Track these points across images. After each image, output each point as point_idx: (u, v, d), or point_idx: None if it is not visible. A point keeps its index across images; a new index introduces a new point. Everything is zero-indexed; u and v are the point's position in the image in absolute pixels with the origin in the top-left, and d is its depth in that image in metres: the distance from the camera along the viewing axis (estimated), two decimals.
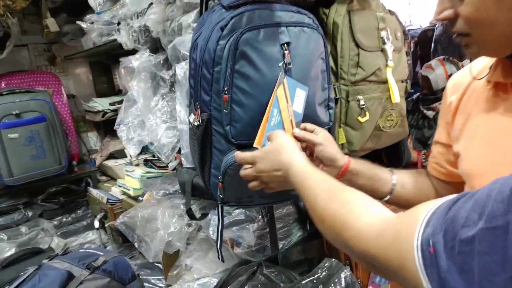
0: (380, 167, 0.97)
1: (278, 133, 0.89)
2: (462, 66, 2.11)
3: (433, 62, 2.11)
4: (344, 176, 0.93)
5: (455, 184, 0.88)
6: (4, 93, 2.29)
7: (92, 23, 2.04)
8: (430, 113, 2.12)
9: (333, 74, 1.23)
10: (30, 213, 2.42)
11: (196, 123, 1.03)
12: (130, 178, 2.31)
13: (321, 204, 0.67)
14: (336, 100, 1.22)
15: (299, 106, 0.99)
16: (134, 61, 1.45)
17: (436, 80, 2.06)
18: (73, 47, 2.67)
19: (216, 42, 0.97)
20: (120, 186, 2.38)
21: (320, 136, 0.94)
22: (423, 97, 2.15)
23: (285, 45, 0.97)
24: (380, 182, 0.94)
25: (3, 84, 2.42)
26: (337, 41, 1.19)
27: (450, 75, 2.06)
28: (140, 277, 2.02)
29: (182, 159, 1.34)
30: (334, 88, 1.21)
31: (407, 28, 3.10)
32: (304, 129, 0.98)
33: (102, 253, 1.54)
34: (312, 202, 0.70)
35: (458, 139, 0.79)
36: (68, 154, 2.55)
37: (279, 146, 0.85)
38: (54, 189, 2.53)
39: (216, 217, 1.28)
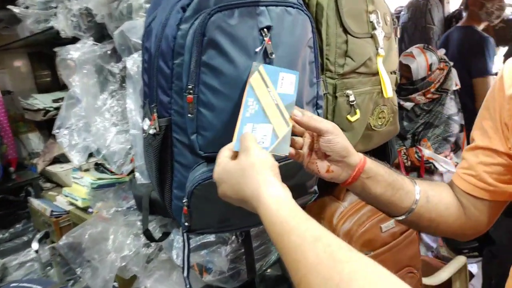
0: (398, 172, 0.76)
1: (249, 143, 0.63)
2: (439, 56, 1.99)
3: (414, 50, 1.97)
4: (357, 179, 0.71)
5: (496, 203, 0.71)
6: None
7: (27, 7, 1.72)
8: (408, 105, 1.99)
9: None
10: None
11: (152, 131, 0.81)
12: (78, 186, 2.03)
13: (311, 278, 0.45)
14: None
15: (288, 88, 0.74)
16: (74, 52, 1.19)
17: (417, 69, 1.93)
18: (8, 36, 2.32)
19: (176, 27, 0.74)
20: (66, 196, 2.10)
21: (326, 122, 0.71)
22: (401, 87, 2.01)
23: (265, 29, 0.76)
24: (401, 193, 0.72)
25: None
26: (322, 26, 1.00)
27: (430, 65, 1.93)
28: None
29: (137, 173, 1.10)
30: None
31: None
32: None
33: (40, 286, 1.27)
34: (296, 271, 0.48)
35: None
36: (3, 159, 2.23)
37: (246, 166, 0.60)
38: None
39: (181, 239, 1.07)
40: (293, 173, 0.87)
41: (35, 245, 1.76)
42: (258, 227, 1.04)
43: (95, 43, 1.21)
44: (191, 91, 0.75)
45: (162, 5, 0.80)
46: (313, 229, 0.50)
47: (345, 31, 1.00)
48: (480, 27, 2.50)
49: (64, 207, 2.05)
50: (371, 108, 1.07)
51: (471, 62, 2.29)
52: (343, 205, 1.21)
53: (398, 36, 1.24)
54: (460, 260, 1.69)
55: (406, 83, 1.97)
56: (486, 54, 2.32)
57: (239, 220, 0.89)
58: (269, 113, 0.71)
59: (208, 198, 0.81)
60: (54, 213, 2.05)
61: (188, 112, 0.76)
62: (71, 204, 2.01)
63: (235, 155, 0.65)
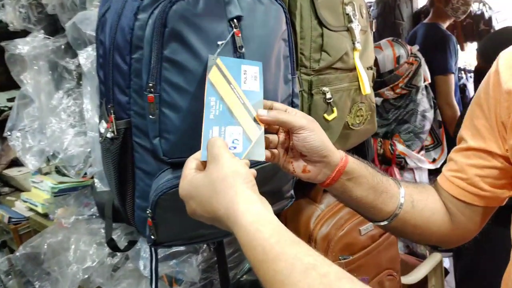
0: (382, 172, 0.69)
1: (219, 150, 0.54)
2: (410, 50, 1.96)
3: (382, 42, 1.92)
4: (337, 181, 0.64)
5: (486, 209, 0.65)
6: None
7: None
8: (377, 100, 1.91)
9: None
10: None
11: (109, 135, 0.72)
12: (38, 190, 1.90)
13: None
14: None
15: (252, 83, 0.66)
16: (23, 46, 1.07)
17: (384, 61, 1.88)
18: None
19: (133, 17, 0.66)
20: (25, 201, 1.96)
21: (300, 117, 0.62)
22: None
23: (235, 20, 0.68)
24: (385, 196, 0.66)
25: None
26: (296, 18, 0.93)
27: (398, 57, 1.88)
28: None
29: (96, 180, 1.00)
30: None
31: None
32: (271, 108, 0.65)
33: None
34: None
35: None
36: None
37: (217, 179, 0.51)
38: None
39: (148, 248, 0.98)
40: (269, 177, 0.80)
41: None
42: (230, 236, 0.97)
43: (47, 36, 1.10)
44: (152, 90, 0.66)
45: None
46: (304, 255, 0.42)
47: (321, 23, 0.93)
48: (446, 23, 2.50)
49: (23, 213, 1.93)
50: (348, 106, 1.01)
51: (433, 59, 2.28)
52: (320, 208, 1.15)
53: (374, 30, 1.19)
54: (435, 257, 1.67)
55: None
56: (447, 52, 2.32)
57: (212, 231, 0.81)
58: (236, 113, 0.62)
59: (175, 208, 0.72)
60: (13, 220, 1.93)
61: (149, 113, 0.67)
62: (31, 210, 1.89)
63: (203, 166, 0.56)
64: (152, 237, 0.75)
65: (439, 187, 0.69)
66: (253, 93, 0.65)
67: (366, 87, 1.01)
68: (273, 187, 0.83)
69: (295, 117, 0.62)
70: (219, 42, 0.67)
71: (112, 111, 0.71)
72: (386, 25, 2.93)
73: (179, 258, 1.03)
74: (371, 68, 1.12)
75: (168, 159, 0.70)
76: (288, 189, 0.87)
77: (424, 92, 1.99)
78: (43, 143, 1.19)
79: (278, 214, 1.21)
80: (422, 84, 1.96)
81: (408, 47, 1.97)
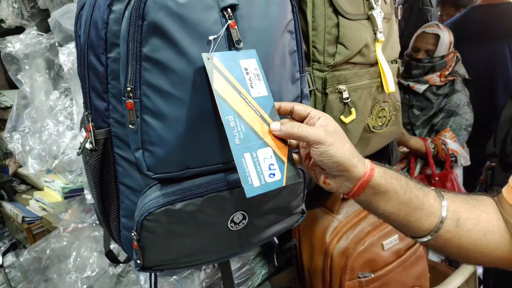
0: (418, 183, 0.61)
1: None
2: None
3: (439, 24, 1.78)
4: (361, 194, 0.58)
5: None
6: None
7: None
8: (419, 88, 1.76)
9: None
10: None
11: (88, 146, 0.62)
12: (50, 190, 1.86)
13: None
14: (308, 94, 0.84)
15: (259, 86, 0.58)
16: (14, 44, 1.00)
17: (442, 42, 1.71)
18: None
19: (106, 8, 0.56)
20: (37, 201, 1.93)
21: (320, 129, 0.55)
22: (410, 62, 1.76)
23: (229, 9, 0.57)
24: (419, 213, 0.58)
25: None
26: (307, 5, 0.81)
27: (451, 43, 1.74)
28: None
29: (86, 191, 0.92)
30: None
31: None
32: (290, 114, 0.59)
33: None
34: None
35: None
36: None
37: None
38: None
39: None
40: (274, 193, 0.69)
41: None
42: (233, 257, 0.86)
43: (40, 33, 1.02)
44: (130, 95, 0.56)
45: None
46: None
47: (336, 11, 0.81)
48: None
49: (37, 213, 1.91)
50: (369, 106, 0.89)
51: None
52: (337, 219, 1.03)
53: (399, 17, 1.05)
54: (469, 267, 1.52)
55: (425, 59, 1.75)
56: None
57: (208, 255, 0.71)
58: (259, 131, 0.56)
59: (164, 230, 0.63)
60: (27, 219, 1.90)
61: (129, 123, 0.57)
62: (44, 209, 1.86)
63: None
64: (139, 261, 0.66)
65: (501, 197, 0.60)
66: (263, 99, 0.58)
67: (390, 84, 0.87)
68: (279, 203, 0.72)
69: (311, 130, 0.55)
70: (211, 37, 0.57)
71: (90, 118, 0.62)
72: (413, 11, 2.74)
73: (180, 275, 0.94)
74: (396, 62, 0.99)
75: (153, 174, 0.60)
76: (297, 204, 0.76)
77: (463, 85, 1.82)
78: (39, 147, 1.12)
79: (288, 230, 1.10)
80: (465, 75, 1.80)
81: None
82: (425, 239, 0.59)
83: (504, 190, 0.60)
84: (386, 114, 0.93)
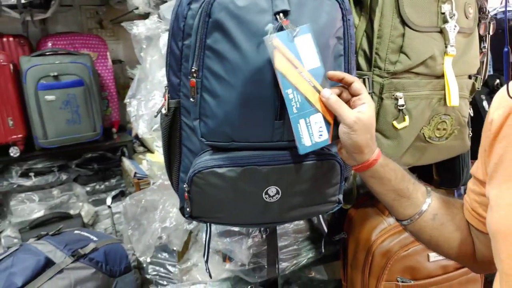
0: (416, 181, 0.73)
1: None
2: None
3: None
4: (362, 173, 0.72)
5: None
6: (47, 53, 2.23)
7: None
8: None
9: (366, 61, 0.91)
10: (64, 177, 2.39)
11: (163, 111, 0.80)
12: (158, 154, 2.17)
13: None
14: None
15: (312, 58, 0.68)
16: (139, 27, 1.24)
17: None
18: (121, 10, 2.54)
19: (187, 6, 0.71)
20: (148, 161, 2.26)
21: (354, 114, 0.66)
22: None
23: (281, 14, 0.68)
24: (404, 201, 0.71)
25: (50, 44, 2.37)
26: (375, 15, 0.86)
27: None
28: (154, 260, 1.90)
29: None
30: (364, 80, 0.89)
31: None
32: (347, 84, 0.69)
33: (96, 238, 1.40)
34: None
35: (492, 177, 0.57)
36: (107, 121, 2.49)
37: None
38: (90, 155, 2.49)
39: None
40: (310, 176, 0.79)
41: (108, 201, 1.94)
42: (269, 226, 0.97)
43: (160, 20, 1.24)
44: (195, 75, 0.71)
45: None
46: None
47: (403, 22, 0.85)
48: None
49: (146, 171, 2.22)
50: (427, 116, 0.91)
51: None
52: (387, 221, 1.07)
53: (491, 33, 1.02)
54: None
55: None
56: None
57: (245, 217, 0.84)
58: (312, 99, 0.68)
59: (209, 188, 0.77)
60: (137, 175, 2.23)
61: (191, 96, 0.73)
62: (150, 169, 2.17)
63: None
64: (188, 209, 0.81)
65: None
66: (316, 69, 0.68)
67: (453, 98, 0.88)
68: (313, 188, 0.81)
69: (347, 113, 0.66)
70: (268, 26, 0.67)
71: (167, 90, 0.79)
72: None
73: (232, 238, 1.09)
74: (471, 77, 0.97)
75: (205, 141, 0.75)
76: (333, 193, 0.84)
77: None
78: (146, 112, 1.36)
79: (341, 217, 1.16)
80: None
81: None
82: (405, 222, 0.72)
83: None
84: (447, 126, 0.93)
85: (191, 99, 0.73)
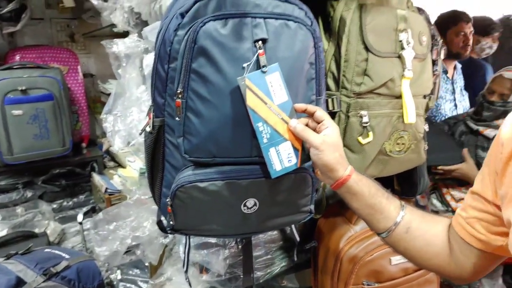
0: (390, 195, 0.78)
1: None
2: None
3: None
4: (338, 190, 0.77)
5: (484, 255, 0.66)
6: (15, 67, 2.20)
7: (106, 0, 1.89)
8: (489, 133, 1.67)
9: (334, 82, 1.00)
10: (29, 194, 2.33)
11: (148, 129, 0.85)
12: (131, 169, 2.18)
13: None
14: (334, 115, 0.99)
15: (281, 94, 0.77)
16: (119, 46, 1.28)
17: None
18: (94, 24, 2.56)
19: (173, 32, 0.77)
20: (119, 176, 2.26)
21: (320, 137, 0.75)
22: (483, 102, 1.68)
23: (260, 42, 0.76)
24: (379, 216, 0.76)
25: (18, 57, 2.33)
26: (342, 41, 0.96)
27: None
28: (125, 277, 1.89)
29: None
30: (333, 100, 0.98)
31: None
32: (311, 115, 0.78)
33: (68, 256, 1.40)
34: None
35: (510, 200, 0.56)
36: (77, 135, 2.47)
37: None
38: (58, 170, 2.44)
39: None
40: (285, 189, 0.86)
41: (80, 217, 1.93)
42: (247, 236, 1.04)
43: (139, 39, 1.29)
44: (180, 96, 0.77)
45: (173, 10, 0.83)
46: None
47: (367, 48, 0.95)
48: None
49: (117, 186, 2.21)
50: (388, 132, 1.00)
51: None
52: (353, 229, 1.15)
53: (442, 57, 1.15)
54: None
55: (498, 102, 1.67)
56: None
57: (225, 229, 0.90)
58: (281, 130, 0.77)
59: (191, 202, 0.83)
60: (109, 191, 2.21)
61: (176, 116, 0.78)
62: (124, 184, 2.17)
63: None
64: (171, 222, 0.86)
65: (451, 224, 0.73)
66: (284, 103, 0.77)
67: (410, 116, 0.99)
68: (287, 199, 0.88)
69: (313, 136, 0.75)
70: (245, 65, 0.76)
71: (152, 109, 0.84)
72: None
73: (209, 250, 1.14)
74: (425, 97, 1.09)
75: (188, 157, 0.81)
76: (305, 204, 0.91)
77: None
78: (123, 128, 1.39)
79: (311, 227, 1.24)
80: None
81: None
82: (382, 235, 0.77)
83: (454, 216, 0.72)
84: (405, 141, 1.03)
85: (176, 118, 0.78)
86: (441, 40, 1.15)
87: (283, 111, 0.77)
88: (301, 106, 0.78)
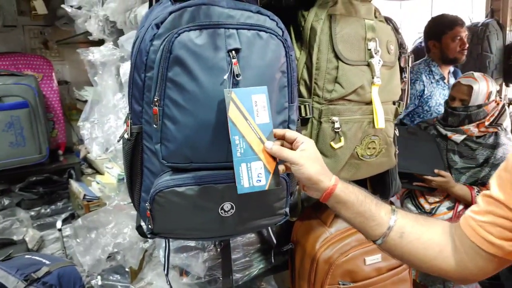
0: (378, 201, 0.78)
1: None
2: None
3: (475, 74, 1.77)
4: (327, 201, 0.77)
5: (491, 257, 0.66)
6: None
7: (80, 8, 1.89)
8: (457, 138, 1.75)
9: (307, 89, 1.04)
10: (6, 202, 2.31)
11: (126, 136, 0.87)
12: (109, 175, 2.18)
13: None
14: (307, 120, 1.03)
15: (263, 115, 0.78)
16: (95, 54, 1.29)
17: (477, 93, 1.70)
18: (67, 31, 2.54)
19: (149, 42, 0.80)
20: (98, 183, 2.25)
21: (297, 153, 0.76)
22: (452, 112, 1.75)
23: (233, 52, 0.79)
24: (371, 223, 0.76)
25: None
26: (313, 50, 1.00)
27: (490, 93, 1.72)
28: (105, 283, 1.89)
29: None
30: (305, 106, 1.02)
31: None
32: (283, 138, 0.78)
33: (48, 262, 1.39)
34: None
35: None
36: (53, 143, 2.45)
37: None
38: (34, 178, 2.42)
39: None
40: (260, 193, 0.88)
41: (59, 224, 1.92)
42: (225, 239, 1.06)
43: (115, 47, 1.31)
44: (157, 104, 0.79)
45: (148, 20, 0.86)
46: None
47: (337, 57, 0.99)
48: None
49: (96, 193, 2.20)
50: (359, 137, 1.05)
51: None
52: (329, 231, 1.19)
53: (409, 65, 1.20)
54: None
55: (459, 108, 1.75)
56: None
57: (203, 232, 0.92)
58: (256, 149, 0.76)
59: (169, 206, 0.85)
60: (87, 197, 2.20)
61: (154, 123, 0.81)
62: (102, 191, 2.16)
63: None
64: (150, 226, 0.88)
65: (458, 224, 0.72)
66: (265, 125, 0.77)
67: (380, 121, 1.03)
68: (264, 202, 0.91)
69: (291, 154, 0.75)
70: (225, 77, 0.78)
71: (129, 117, 0.86)
72: (471, 56, 2.76)
73: (188, 253, 1.16)
74: (395, 103, 1.14)
75: (166, 162, 0.83)
76: (280, 206, 0.95)
77: (510, 136, 1.81)
78: (101, 135, 1.40)
79: (288, 229, 1.27)
80: (508, 127, 1.80)
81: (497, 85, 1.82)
82: (378, 242, 0.76)
83: (462, 217, 0.72)
84: (376, 146, 1.08)
85: (153, 125, 0.81)
86: (409, 49, 1.20)
87: (262, 132, 0.77)
88: (280, 132, 0.78)
